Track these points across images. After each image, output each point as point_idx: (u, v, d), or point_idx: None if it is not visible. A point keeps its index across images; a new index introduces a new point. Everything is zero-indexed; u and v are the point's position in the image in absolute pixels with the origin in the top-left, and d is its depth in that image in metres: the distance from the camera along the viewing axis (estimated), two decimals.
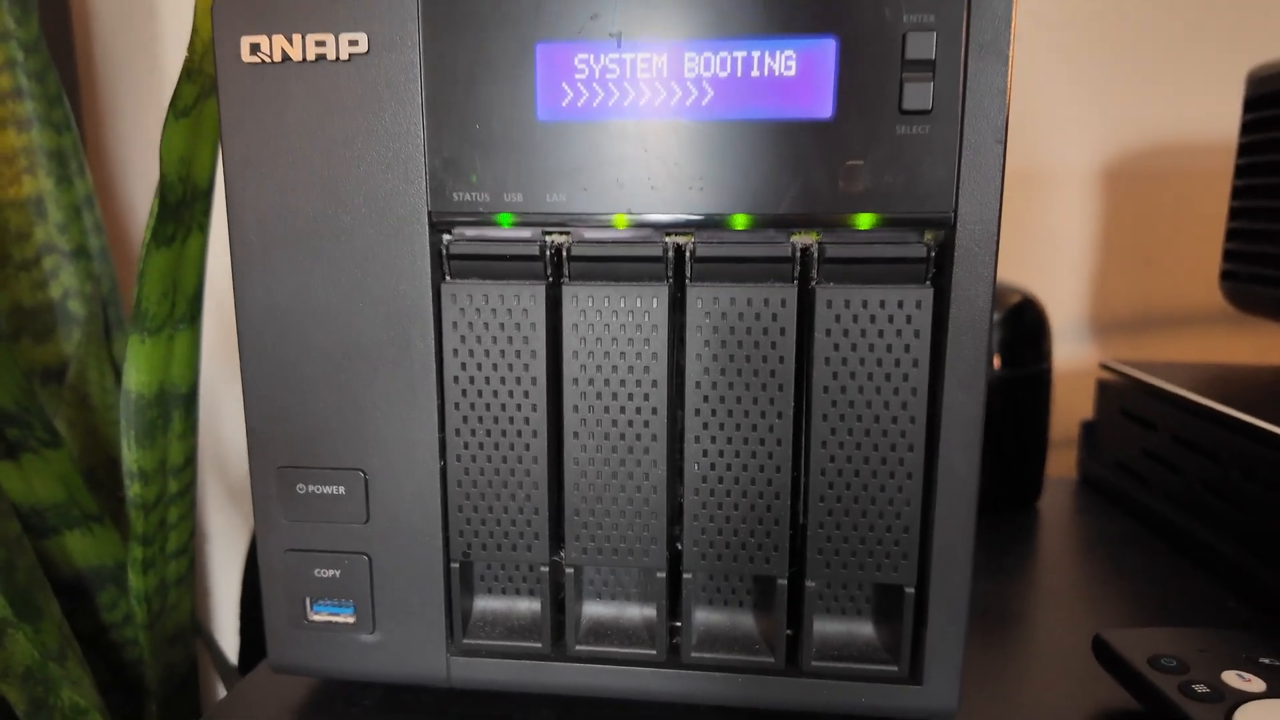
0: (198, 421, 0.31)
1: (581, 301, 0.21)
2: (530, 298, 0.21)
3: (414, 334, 0.21)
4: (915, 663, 0.21)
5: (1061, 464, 0.49)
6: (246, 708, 0.24)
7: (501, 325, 0.21)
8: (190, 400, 0.32)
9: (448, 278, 0.21)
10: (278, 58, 0.20)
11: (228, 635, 0.61)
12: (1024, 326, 0.41)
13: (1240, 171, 0.42)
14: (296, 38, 0.20)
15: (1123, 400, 0.43)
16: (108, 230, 0.49)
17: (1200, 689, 0.22)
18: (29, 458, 0.32)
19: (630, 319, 0.21)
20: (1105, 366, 0.46)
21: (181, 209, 0.28)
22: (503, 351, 0.21)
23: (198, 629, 0.37)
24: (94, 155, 0.58)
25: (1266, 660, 0.23)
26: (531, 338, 0.21)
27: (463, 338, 0.21)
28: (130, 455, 0.30)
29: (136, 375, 0.29)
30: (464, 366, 0.21)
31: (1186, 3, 0.52)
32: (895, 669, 0.21)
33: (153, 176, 0.61)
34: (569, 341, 0.21)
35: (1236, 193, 0.42)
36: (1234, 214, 0.42)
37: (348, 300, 0.21)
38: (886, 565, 0.21)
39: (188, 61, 0.27)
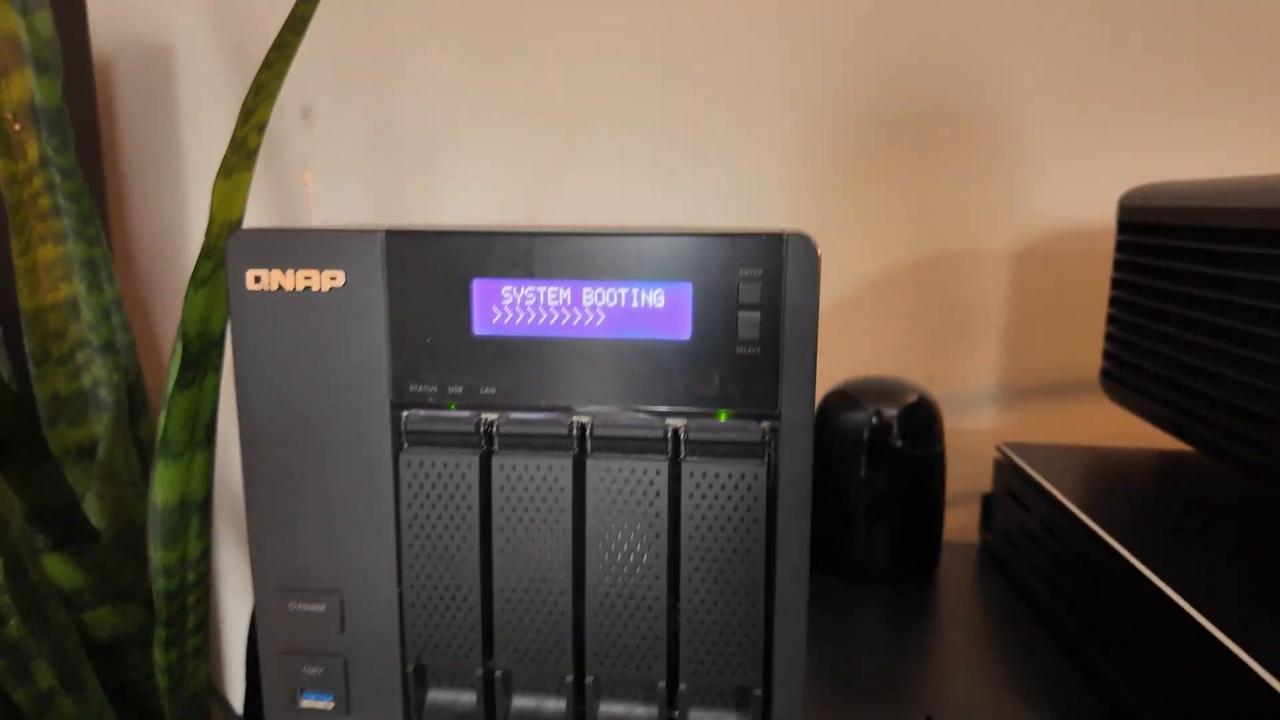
0: (212, 520, 0.38)
1: (506, 468, 0.27)
2: (468, 465, 0.27)
3: (380, 489, 0.28)
4: (767, 701, 0.28)
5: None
6: None
7: (445, 484, 0.28)
8: (206, 504, 0.38)
9: (405, 446, 0.28)
10: (274, 287, 0.27)
11: (236, 653, 0.68)
12: (918, 419, 0.47)
13: (1115, 284, 0.48)
14: (290, 272, 0.27)
15: (1009, 480, 0.50)
16: (133, 320, 0.55)
17: None
18: (73, 550, 0.38)
19: (544, 481, 0.27)
20: (999, 447, 0.52)
21: (200, 358, 0.35)
22: (446, 505, 0.28)
23: (212, 689, 0.43)
24: (121, 264, 0.66)
25: None
26: (469, 495, 0.28)
27: (415, 494, 0.28)
28: (156, 555, 0.36)
29: (162, 492, 0.36)
30: (416, 516, 0.28)
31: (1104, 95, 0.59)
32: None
33: (173, 271, 0.69)
34: (496, 498, 0.27)
35: (1112, 300, 0.48)
36: (1110, 319, 0.49)
37: (330, 463, 0.28)
38: (739, 671, 0.27)
39: (206, 243, 0.34)
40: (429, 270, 0.27)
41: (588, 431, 0.27)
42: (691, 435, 0.26)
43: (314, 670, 0.29)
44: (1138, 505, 0.42)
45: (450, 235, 0.26)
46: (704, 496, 0.27)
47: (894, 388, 0.48)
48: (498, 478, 0.27)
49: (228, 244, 0.27)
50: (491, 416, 0.28)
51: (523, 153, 0.64)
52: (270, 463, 0.28)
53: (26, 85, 0.49)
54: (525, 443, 0.27)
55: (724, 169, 0.64)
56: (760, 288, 0.25)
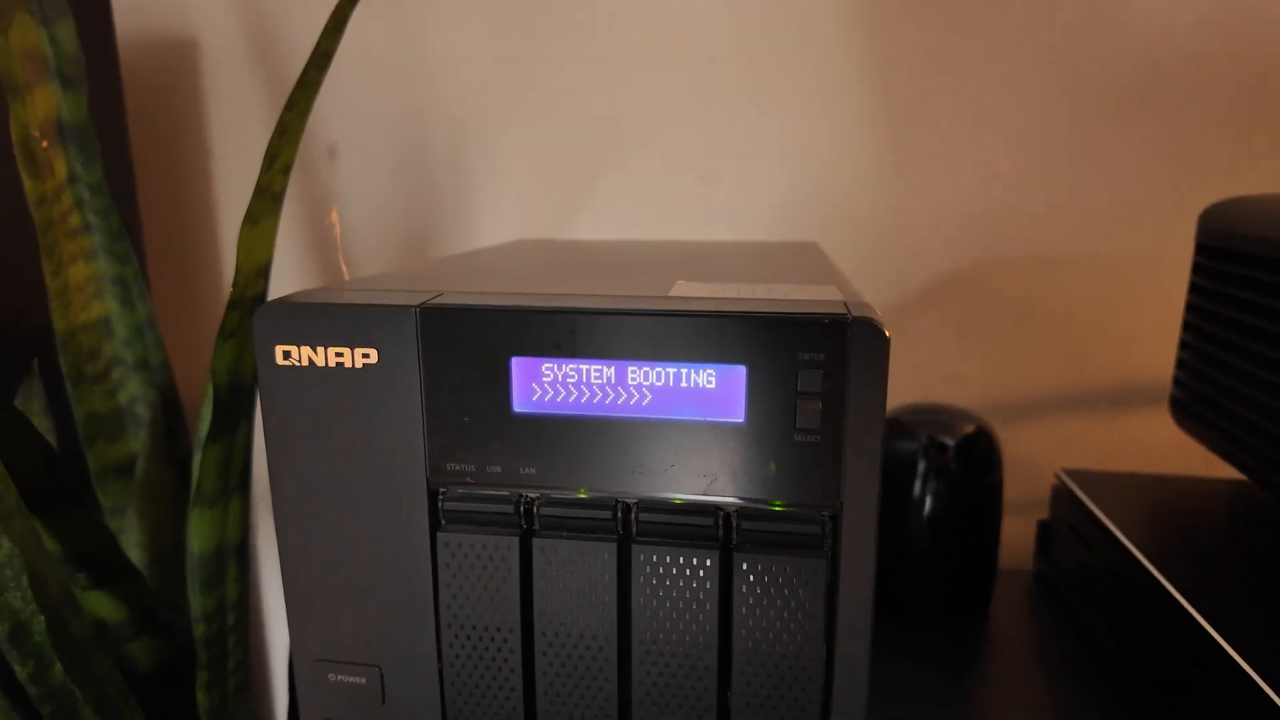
0: (249, 564, 0.37)
1: (548, 552, 0.26)
2: (508, 547, 0.26)
3: (417, 567, 0.27)
4: None
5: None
6: None
7: (484, 566, 0.26)
8: (242, 548, 0.38)
9: (443, 525, 0.27)
10: (305, 363, 0.26)
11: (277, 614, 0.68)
12: (976, 452, 0.45)
13: (1190, 308, 0.45)
14: (320, 349, 0.25)
15: (1068, 512, 0.47)
16: (165, 335, 0.55)
17: None
18: (112, 587, 0.38)
19: (587, 566, 0.26)
20: (1059, 474, 0.50)
21: (230, 407, 0.34)
22: (485, 586, 0.27)
23: (251, 717, 0.44)
24: (154, 278, 0.66)
25: None
26: (509, 577, 0.26)
27: (453, 574, 0.27)
28: (195, 602, 0.36)
29: (198, 540, 0.35)
30: (454, 596, 0.27)
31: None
32: None
33: (205, 284, 0.68)
34: (538, 581, 0.26)
35: (1186, 325, 0.45)
36: (1182, 344, 0.46)
37: (366, 542, 0.27)
38: None
39: (233, 294, 0.32)
40: (466, 347, 0.25)
41: (633, 516, 0.26)
42: (745, 525, 0.25)
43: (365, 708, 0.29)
44: (1204, 550, 0.40)
45: (487, 311, 0.25)
46: (758, 591, 0.25)
47: (950, 417, 0.46)
48: (538, 561, 0.26)
49: (254, 319, 0.26)
50: (532, 495, 0.26)
51: (555, 155, 0.62)
52: (305, 536, 0.27)
53: (52, 101, 0.48)
54: (567, 524, 0.26)
55: (763, 171, 0.61)
56: (822, 375, 0.23)
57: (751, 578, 0.25)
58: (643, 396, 0.25)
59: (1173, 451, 0.55)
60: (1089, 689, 0.39)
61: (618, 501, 0.26)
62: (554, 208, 0.63)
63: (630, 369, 0.24)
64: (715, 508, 0.25)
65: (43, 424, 0.50)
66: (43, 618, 0.33)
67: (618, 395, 0.25)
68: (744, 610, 0.25)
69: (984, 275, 0.60)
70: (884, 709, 0.38)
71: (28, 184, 0.46)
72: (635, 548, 0.26)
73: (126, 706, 0.37)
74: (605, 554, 0.26)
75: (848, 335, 0.23)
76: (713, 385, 0.24)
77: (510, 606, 0.27)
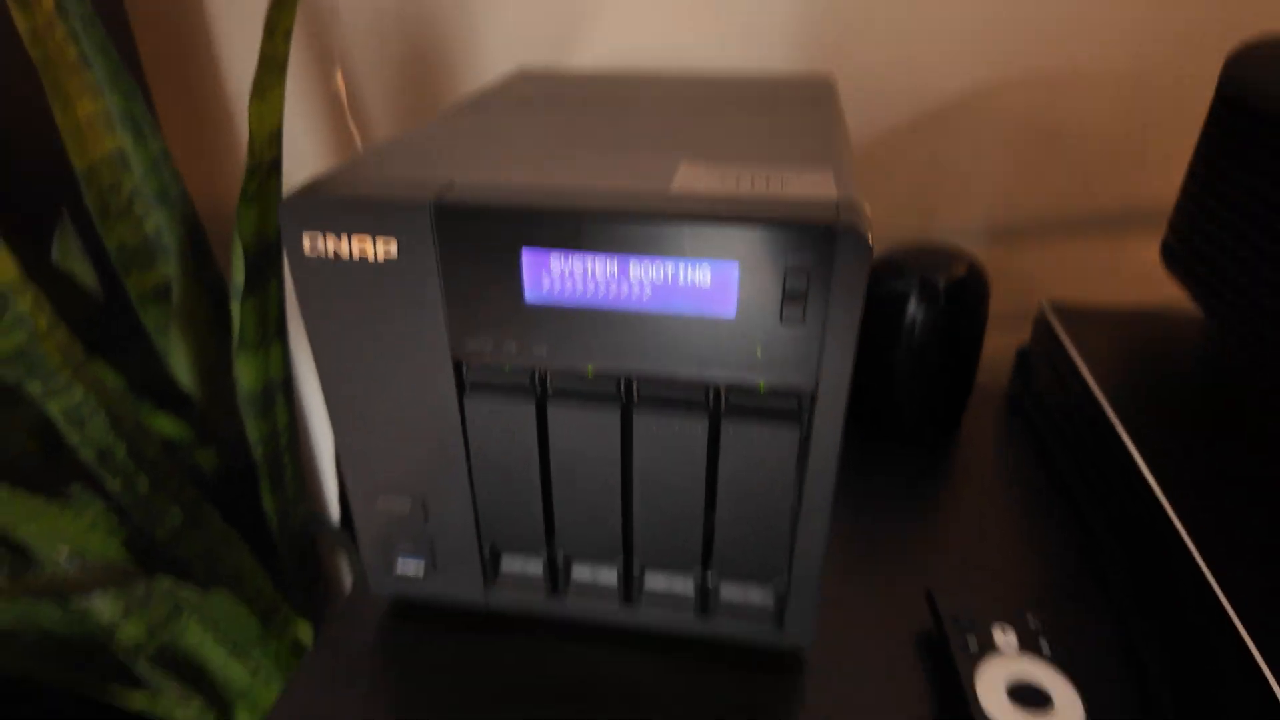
0: (294, 395, 0.42)
1: (560, 416, 0.30)
2: (525, 412, 0.30)
3: (449, 426, 0.31)
4: (780, 617, 0.33)
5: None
6: (363, 605, 0.38)
7: (505, 426, 0.31)
8: (287, 383, 0.42)
9: (468, 391, 0.30)
10: (331, 256, 0.28)
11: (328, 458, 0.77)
12: (966, 292, 0.47)
13: (1198, 155, 0.45)
14: (344, 242, 0.28)
15: (1046, 342, 0.51)
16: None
17: (970, 643, 0.33)
18: (173, 411, 0.43)
19: (594, 429, 0.30)
20: (1043, 305, 0.52)
21: (260, 266, 0.36)
22: (508, 441, 0.31)
23: (313, 518, 0.51)
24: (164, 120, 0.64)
25: (1034, 622, 0.34)
26: (527, 436, 0.31)
27: (480, 431, 0.31)
28: (251, 429, 0.41)
29: (246, 380, 0.39)
30: (482, 447, 0.31)
31: None
32: (770, 620, 0.33)
33: (216, 123, 0.67)
34: (553, 440, 0.30)
35: (1191, 173, 0.45)
36: (1184, 190, 0.46)
37: (406, 405, 0.31)
38: (766, 572, 0.32)
39: (250, 161, 0.34)
40: (478, 241, 0.27)
41: (634, 389, 0.29)
42: (732, 399, 0.28)
43: (407, 546, 0.35)
44: (1161, 390, 0.44)
45: (497, 209, 0.26)
46: (741, 452, 0.29)
47: (944, 257, 0.48)
48: (553, 424, 0.30)
49: (280, 212, 0.27)
50: (545, 370, 0.30)
51: None
52: (349, 400, 0.31)
53: None
54: (576, 394, 0.30)
55: None
56: (807, 277, 0.26)
57: (735, 442, 0.29)
58: (643, 290, 0.27)
59: (1170, 281, 0.57)
60: (1040, 502, 0.45)
61: (621, 377, 0.29)
62: (559, 29, 0.60)
63: (632, 264, 0.27)
64: (706, 384, 0.29)
65: (82, 266, 0.53)
66: (123, 444, 0.39)
67: (620, 288, 0.27)
68: (728, 467, 0.30)
69: (1002, 91, 0.59)
70: (847, 524, 0.44)
71: (17, 16, 0.45)
72: (636, 414, 0.29)
73: (202, 509, 0.44)
74: (610, 418, 0.30)
75: (834, 243, 0.25)
76: (707, 282, 0.27)
77: (530, 458, 0.31)
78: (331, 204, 0.27)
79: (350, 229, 0.27)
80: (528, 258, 0.27)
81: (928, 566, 0.41)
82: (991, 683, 0.31)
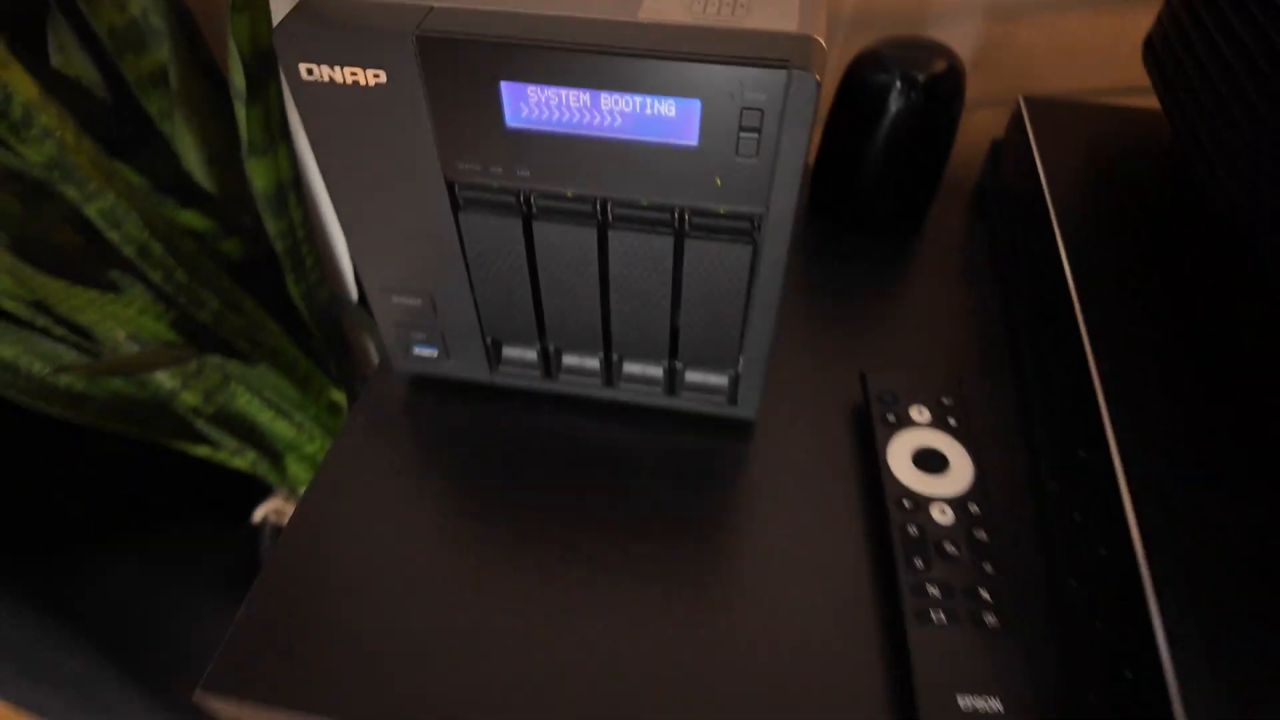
0: (304, 192, 0.45)
1: (544, 232, 0.34)
2: (514, 227, 0.34)
3: (448, 237, 0.35)
4: (733, 395, 0.40)
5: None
6: (388, 378, 0.45)
7: (497, 239, 0.35)
8: (297, 181, 0.45)
9: (462, 208, 0.34)
10: (326, 80, 0.30)
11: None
12: (942, 87, 0.48)
13: None
14: (337, 68, 0.30)
15: (1015, 135, 0.52)
16: None
17: (890, 417, 0.40)
18: (197, 206, 0.47)
19: (575, 243, 0.34)
20: (1020, 99, 0.53)
21: (258, 73, 0.38)
22: (500, 253, 0.35)
23: (335, 298, 0.56)
24: None
25: (947, 400, 0.41)
26: (516, 247, 0.35)
27: (475, 243, 0.35)
28: (270, 227, 0.45)
29: (259, 182, 0.42)
30: (478, 256, 0.36)
31: None
32: (724, 398, 0.40)
33: None
34: (539, 252, 0.35)
35: None
36: None
37: (409, 218, 0.35)
38: (721, 361, 0.38)
39: None
40: (460, 72, 0.29)
41: (609, 209, 0.33)
42: (694, 220, 0.32)
43: (420, 336, 0.41)
44: (1109, 196, 0.46)
45: (476, 43, 0.28)
46: (701, 265, 0.33)
47: (924, 53, 0.48)
48: (538, 238, 0.34)
49: (274, 36, 0.29)
50: (528, 190, 0.33)
51: None
52: (357, 210, 0.35)
53: None
54: (558, 212, 0.33)
55: None
56: (762, 115, 0.28)
57: (697, 257, 0.33)
58: (614, 119, 0.30)
59: None
60: (983, 291, 0.50)
61: (597, 199, 0.33)
62: None
63: (603, 96, 0.29)
64: (672, 207, 0.32)
65: (79, 59, 0.53)
66: (158, 240, 0.43)
67: (593, 117, 0.30)
68: (690, 277, 0.34)
69: None
70: (806, 303, 0.49)
71: None
72: (611, 232, 0.33)
73: (236, 294, 0.49)
74: (588, 235, 0.34)
75: (787, 84, 0.27)
76: (672, 114, 0.29)
77: (520, 266, 0.36)
78: (320, 36, 0.29)
79: (341, 60, 0.29)
80: (506, 89, 0.29)
81: (870, 348, 0.47)
82: (901, 450, 0.38)
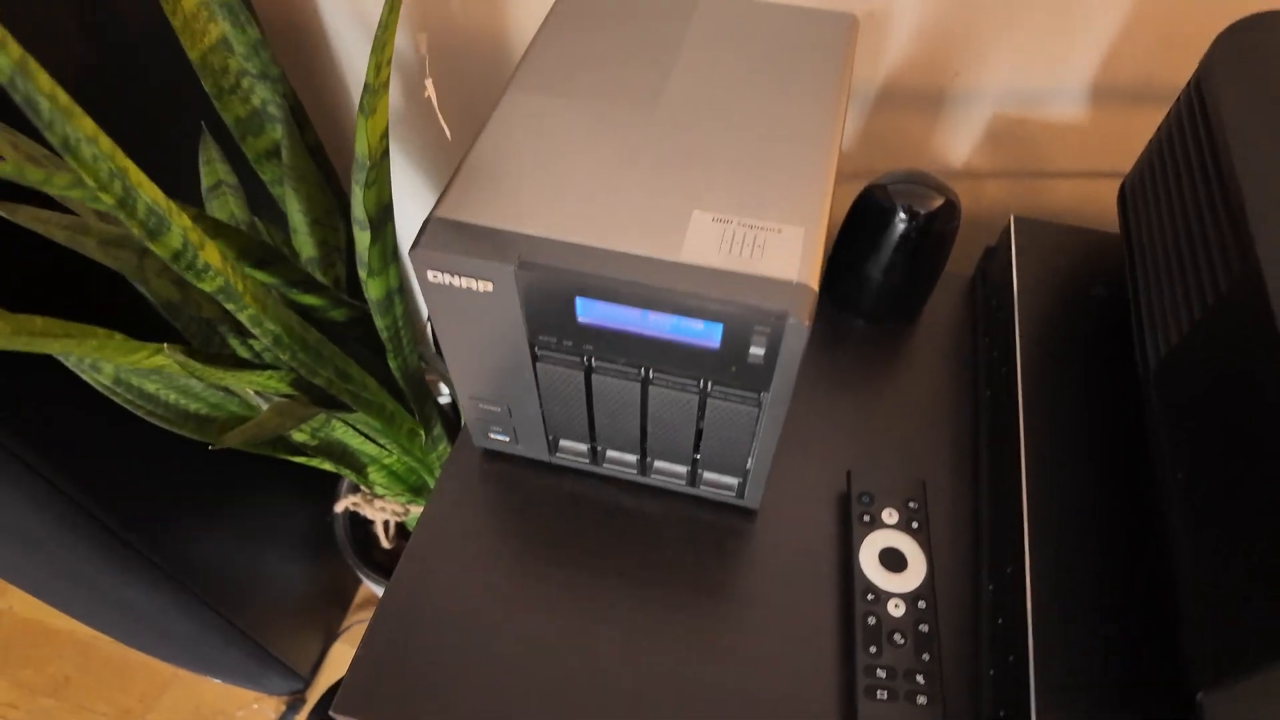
0: (406, 295, 0.55)
1: (600, 383, 0.44)
2: (578, 376, 0.44)
3: (526, 374, 0.46)
4: (741, 491, 0.50)
5: None
6: (469, 449, 0.56)
7: (564, 381, 0.45)
8: (401, 288, 0.55)
9: (539, 360, 0.44)
10: (447, 284, 0.40)
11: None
12: (938, 222, 0.57)
13: (1167, 127, 0.50)
14: (457, 278, 0.40)
15: (1001, 259, 0.61)
16: None
17: (865, 517, 0.50)
18: (315, 293, 0.58)
19: (623, 392, 0.44)
20: (1011, 218, 0.61)
21: (380, 224, 0.48)
22: (566, 388, 0.46)
23: (427, 363, 0.67)
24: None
25: (913, 505, 0.51)
26: (578, 387, 0.45)
27: (546, 380, 0.45)
28: (379, 324, 0.55)
29: (374, 294, 0.53)
30: (548, 388, 0.46)
31: None
32: (733, 492, 0.51)
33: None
34: (595, 393, 0.45)
35: (1161, 132, 0.51)
36: (1154, 142, 0.52)
37: (499, 358, 0.45)
38: (732, 469, 0.49)
39: (367, 158, 0.44)
40: (547, 288, 0.39)
41: (650, 373, 0.43)
42: (714, 389, 0.42)
43: (497, 428, 0.52)
44: (1072, 324, 0.55)
45: (558, 271, 0.38)
46: (718, 415, 0.44)
47: (925, 191, 0.56)
48: (595, 385, 0.45)
49: (411, 255, 0.39)
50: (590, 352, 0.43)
51: None
52: (461, 352, 0.46)
53: None
54: (611, 369, 0.44)
55: None
56: (766, 339, 0.38)
57: (716, 410, 0.43)
58: (657, 327, 0.40)
59: None
60: (964, 392, 0.60)
61: (634, 371, 0.43)
62: None
63: (649, 314, 0.39)
64: (698, 380, 0.42)
65: (223, 168, 0.63)
66: (287, 334, 0.54)
67: (642, 323, 0.40)
68: (710, 422, 0.44)
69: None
70: (808, 393, 0.59)
71: None
72: (650, 387, 0.44)
73: (344, 360, 0.61)
74: (633, 388, 0.44)
75: (784, 327, 0.37)
76: (700, 328, 0.39)
77: (579, 400, 0.46)
78: (445, 259, 0.39)
79: (460, 273, 0.40)
80: (579, 301, 0.39)
81: (858, 442, 0.57)
82: (870, 549, 0.49)
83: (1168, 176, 0.48)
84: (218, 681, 1.15)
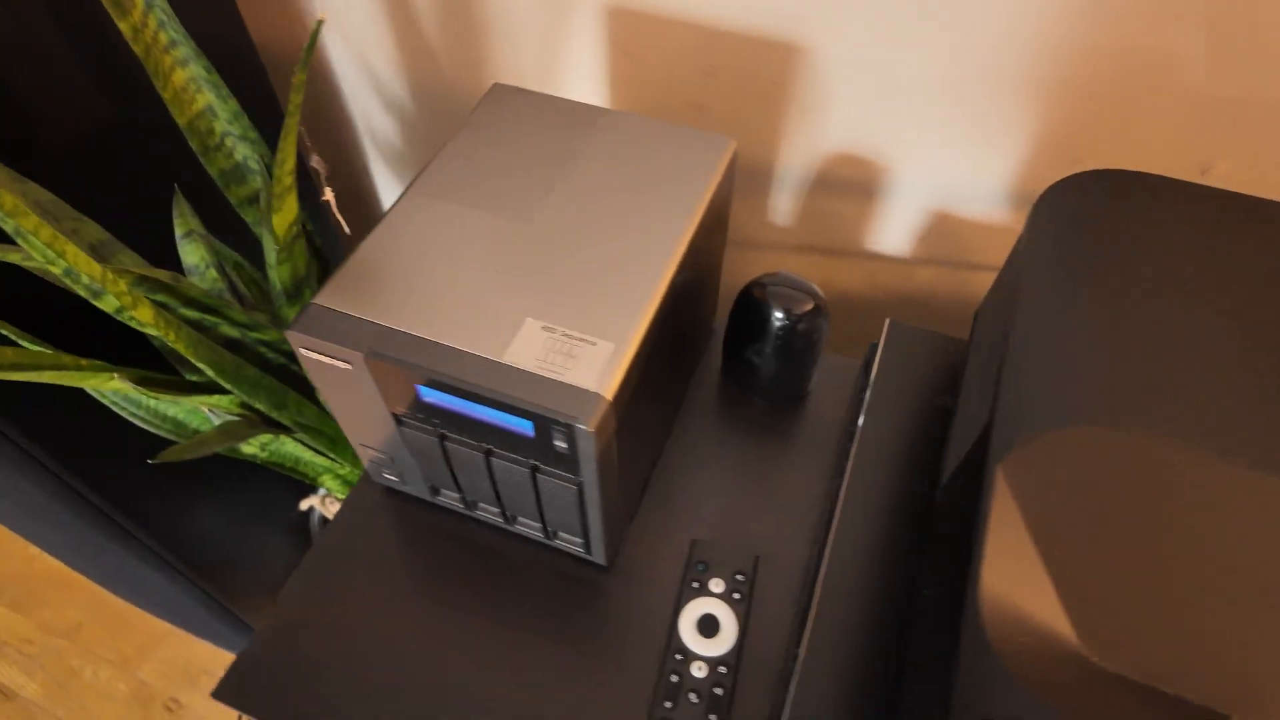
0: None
1: (452, 449, 0.52)
2: (433, 443, 0.52)
3: (395, 437, 0.53)
4: (588, 549, 0.57)
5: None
6: (370, 485, 0.64)
7: (424, 444, 0.53)
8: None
9: (402, 426, 0.52)
10: (316, 358, 0.48)
11: None
12: (809, 323, 0.62)
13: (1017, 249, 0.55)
14: (326, 358, 0.48)
15: (869, 362, 0.66)
16: None
17: (694, 584, 0.57)
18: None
19: (472, 459, 0.52)
20: (888, 322, 0.66)
21: (296, 291, 0.57)
22: (428, 450, 0.53)
23: None
24: None
25: (740, 577, 0.57)
26: (436, 450, 0.53)
27: (410, 442, 0.53)
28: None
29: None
30: (414, 449, 0.54)
31: None
32: (582, 549, 0.58)
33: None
34: (451, 456, 0.53)
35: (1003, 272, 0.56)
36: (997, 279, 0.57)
37: (373, 422, 0.53)
38: (574, 532, 0.55)
39: (277, 244, 0.52)
40: (393, 373, 0.47)
41: (489, 449, 0.50)
42: (542, 468, 0.49)
43: (387, 469, 0.60)
44: (918, 438, 0.60)
45: (399, 364, 0.46)
46: (548, 488, 0.51)
47: (796, 295, 0.62)
48: (449, 449, 0.52)
49: (288, 336, 0.48)
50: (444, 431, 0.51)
51: None
52: (344, 411, 0.54)
53: None
54: (459, 439, 0.51)
55: None
56: (565, 437, 0.45)
57: (545, 483, 0.50)
58: (487, 414, 0.47)
59: None
60: (823, 474, 0.65)
61: (478, 444, 0.50)
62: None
63: (476, 407, 0.46)
64: (528, 459, 0.49)
65: (194, 220, 0.73)
66: (241, 379, 0.63)
67: (473, 408, 0.47)
68: (544, 492, 0.51)
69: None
70: (687, 456, 0.65)
71: (121, 25, 0.60)
72: (492, 458, 0.51)
73: (283, 392, 0.70)
74: (479, 456, 0.51)
75: (575, 430, 0.44)
76: (520, 419, 0.46)
77: (440, 460, 0.54)
78: (311, 341, 0.47)
79: (324, 353, 0.48)
80: (420, 387, 0.47)
81: (721, 511, 0.63)
82: (691, 613, 0.55)
83: (989, 314, 0.53)
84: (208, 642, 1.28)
